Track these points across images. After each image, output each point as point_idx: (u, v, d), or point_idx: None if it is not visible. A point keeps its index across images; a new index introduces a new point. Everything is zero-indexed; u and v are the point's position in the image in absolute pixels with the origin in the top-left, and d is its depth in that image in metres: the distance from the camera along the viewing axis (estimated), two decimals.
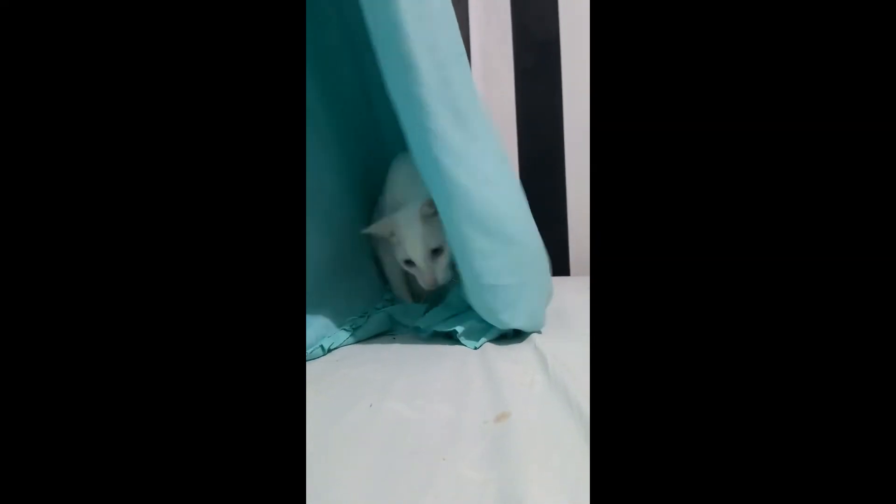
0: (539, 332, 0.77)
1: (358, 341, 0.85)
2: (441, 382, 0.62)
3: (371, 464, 0.43)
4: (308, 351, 0.75)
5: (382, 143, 1.09)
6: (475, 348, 0.74)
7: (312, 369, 0.71)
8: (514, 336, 0.78)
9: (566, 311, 0.91)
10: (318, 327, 0.78)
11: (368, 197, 1.02)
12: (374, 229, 0.86)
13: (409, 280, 0.98)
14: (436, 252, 0.82)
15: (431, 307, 0.89)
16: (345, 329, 0.83)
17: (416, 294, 0.98)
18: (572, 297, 1.01)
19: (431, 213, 0.81)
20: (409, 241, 0.82)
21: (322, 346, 0.77)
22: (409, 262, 0.84)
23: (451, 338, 0.74)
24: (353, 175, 0.99)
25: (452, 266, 0.87)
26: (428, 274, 0.82)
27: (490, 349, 0.74)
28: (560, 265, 1.46)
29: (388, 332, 0.89)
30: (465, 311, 0.78)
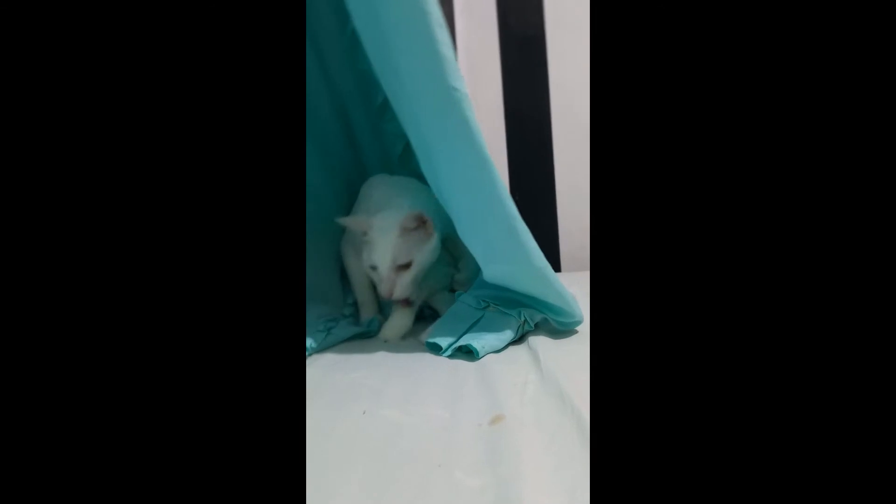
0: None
1: (342, 341, 0.84)
2: (435, 385, 0.62)
3: (366, 472, 0.42)
4: None
5: (358, 156, 1.08)
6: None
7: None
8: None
9: None
10: None
11: (336, 199, 1.02)
12: (349, 222, 0.85)
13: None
14: (403, 267, 0.80)
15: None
16: (319, 331, 0.82)
17: (383, 303, 0.96)
18: None
19: (413, 228, 0.79)
20: (378, 248, 0.79)
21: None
22: (374, 268, 0.82)
23: (469, 353, 0.71)
24: (322, 178, 0.98)
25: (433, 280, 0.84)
26: (387, 285, 0.79)
27: None
28: (551, 261, 1.46)
29: (367, 333, 0.88)
30: (477, 320, 0.77)
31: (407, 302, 0.85)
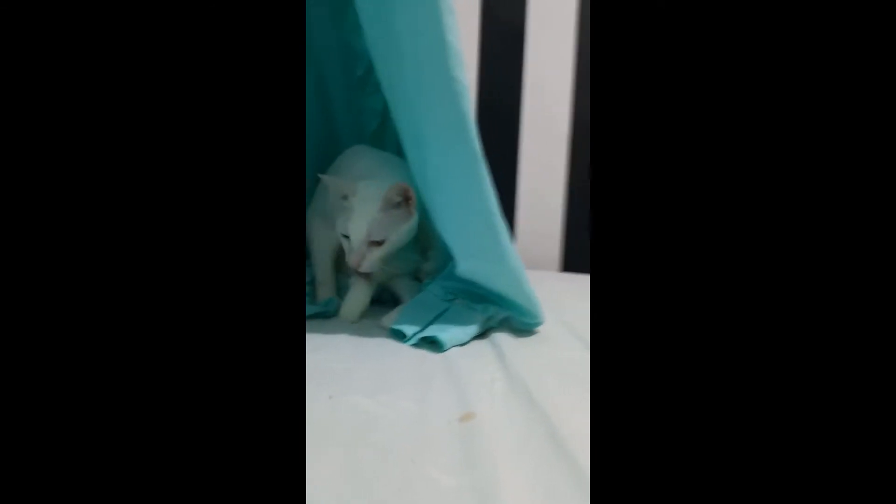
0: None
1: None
2: (401, 375, 0.61)
3: (339, 462, 0.41)
4: None
5: (331, 129, 1.04)
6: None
7: None
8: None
9: None
10: None
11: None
12: (332, 182, 0.81)
13: (339, 265, 0.93)
14: (376, 243, 0.78)
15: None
16: None
17: (341, 284, 0.93)
18: None
19: (396, 203, 0.77)
20: (356, 218, 0.77)
21: None
22: (346, 237, 0.80)
23: (432, 343, 0.71)
24: None
25: (403, 260, 0.83)
26: (356, 257, 0.77)
27: None
28: None
29: (325, 314, 0.85)
30: (443, 311, 0.76)
31: (367, 276, 0.83)
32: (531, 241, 1.51)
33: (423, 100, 0.68)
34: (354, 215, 0.77)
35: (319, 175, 0.83)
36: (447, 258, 0.82)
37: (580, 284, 1.12)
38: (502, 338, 0.75)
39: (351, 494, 0.37)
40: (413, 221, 0.79)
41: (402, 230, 0.78)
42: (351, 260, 0.78)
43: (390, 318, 0.77)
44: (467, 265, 0.75)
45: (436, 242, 0.85)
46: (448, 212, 0.74)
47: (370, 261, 0.77)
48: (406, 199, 0.77)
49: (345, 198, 0.79)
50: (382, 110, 0.98)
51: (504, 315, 0.78)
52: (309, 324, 0.79)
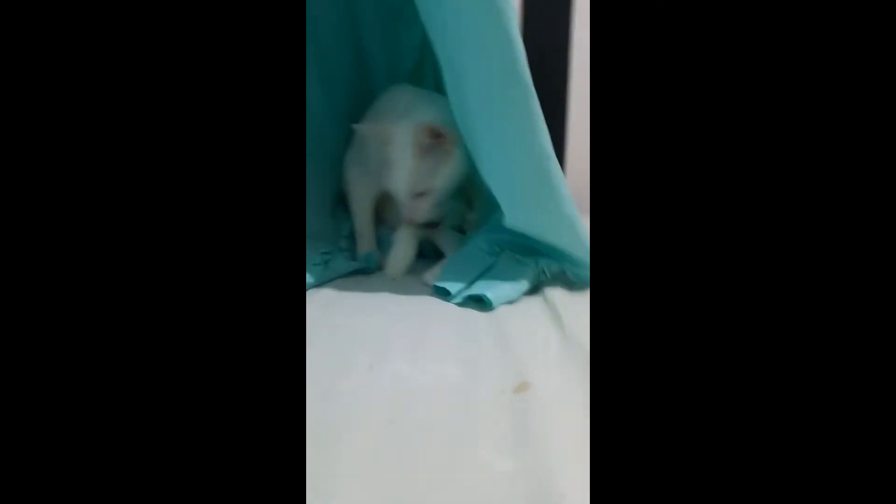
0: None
1: (340, 276, 0.76)
2: (445, 337, 0.56)
3: (377, 445, 0.36)
4: None
5: (364, 72, 0.96)
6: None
7: None
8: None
9: None
10: None
11: (335, 123, 0.91)
12: (368, 130, 0.75)
13: (381, 215, 0.89)
14: (420, 194, 0.73)
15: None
16: (316, 264, 0.74)
17: (382, 237, 0.88)
18: None
19: (428, 143, 0.70)
20: (395, 171, 0.71)
21: None
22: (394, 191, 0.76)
23: (478, 301, 0.65)
24: (320, 96, 0.87)
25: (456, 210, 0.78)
26: (408, 211, 0.74)
27: None
28: None
29: (365, 270, 0.80)
30: (489, 266, 0.69)
31: (431, 225, 0.79)
32: (581, 184, 1.41)
33: (463, 26, 0.59)
34: (393, 169, 0.71)
35: (353, 126, 0.77)
36: (493, 207, 0.75)
37: None
38: (556, 293, 0.68)
39: (389, 478, 0.33)
40: (454, 161, 0.73)
41: (443, 175, 0.72)
42: (405, 215, 0.74)
43: (433, 275, 0.72)
44: (516, 215, 0.68)
45: (480, 191, 0.78)
46: (494, 156, 0.66)
47: (422, 211, 0.73)
48: (438, 136, 0.70)
49: (385, 146, 0.73)
50: (420, 45, 0.89)
51: (557, 268, 0.71)
52: (347, 281, 0.75)
